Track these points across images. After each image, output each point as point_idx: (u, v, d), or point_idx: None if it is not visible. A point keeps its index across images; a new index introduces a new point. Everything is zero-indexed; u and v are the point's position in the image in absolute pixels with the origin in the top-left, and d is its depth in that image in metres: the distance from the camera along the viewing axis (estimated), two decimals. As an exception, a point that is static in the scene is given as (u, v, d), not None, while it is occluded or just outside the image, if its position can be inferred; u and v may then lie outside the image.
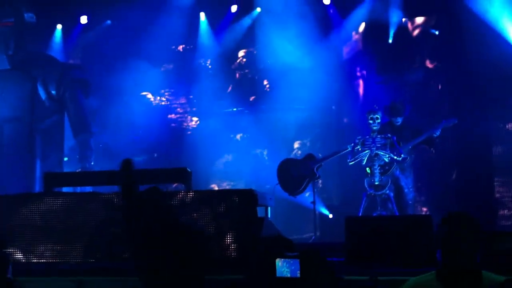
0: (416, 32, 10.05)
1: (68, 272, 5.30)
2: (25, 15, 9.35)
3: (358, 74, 10.35)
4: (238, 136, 10.60)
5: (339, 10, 10.42)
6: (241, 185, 9.40)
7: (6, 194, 6.27)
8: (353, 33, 10.46)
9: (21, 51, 9.42)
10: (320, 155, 8.57)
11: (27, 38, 9.51)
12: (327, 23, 10.42)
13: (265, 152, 10.57)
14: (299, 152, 10.17)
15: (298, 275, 2.83)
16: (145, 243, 3.66)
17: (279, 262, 2.82)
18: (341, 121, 10.14)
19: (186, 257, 3.63)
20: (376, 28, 10.02)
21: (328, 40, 10.35)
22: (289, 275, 2.80)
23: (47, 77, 9.28)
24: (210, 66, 11.42)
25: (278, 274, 2.78)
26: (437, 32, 9.67)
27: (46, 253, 5.42)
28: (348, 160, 7.52)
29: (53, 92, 9.29)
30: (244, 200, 5.57)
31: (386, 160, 7.28)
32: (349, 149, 7.54)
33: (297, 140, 10.39)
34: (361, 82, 10.23)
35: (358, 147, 7.43)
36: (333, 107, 10.27)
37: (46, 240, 5.45)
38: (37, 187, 8.80)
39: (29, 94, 9.20)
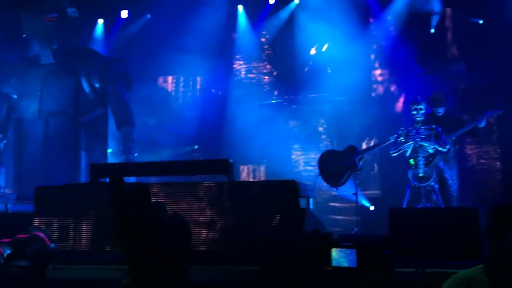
0: (458, 21, 9.81)
1: (114, 261, 5.39)
2: (68, 10, 9.53)
3: (399, 65, 10.18)
4: (277, 128, 10.57)
5: (379, 0, 10.28)
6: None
7: (53, 185, 6.42)
8: (393, 23, 10.29)
9: (65, 45, 9.61)
10: (361, 146, 8.47)
11: (70, 33, 9.67)
12: (367, 13, 10.28)
13: (303, 144, 10.54)
14: (339, 143, 10.09)
15: (356, 265, 2.81)
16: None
17: (334, 252, 2.80)
18: (382, 113, 9.99)
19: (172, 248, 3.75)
20: (417, 18, 9.82)
21: (368, 31, 10.22)
22: (346, 265, 2.77)
23: (90, 71, 9.45)
24: (248, 58, 11.44)
25: (334, 264, 2.76)
26: (481, 21, 9.41)
27: (92, 242, 5.52)
28: (391, 152, 7.42)
29: (96, 85, 9.46)
30: (286, 191, 5.57)
31: (431, 151, 7.16)
32: (392, 140, 7.44)
33: (338, 131, 10.30)
34: (401, 73, 10.06)
35: (402, 138, 7.32)
36: (374, 98, 10.12)
37: (93, 229, 5.55)
38: (82, 178, 9.00)
39: (73, 88, 9.39)
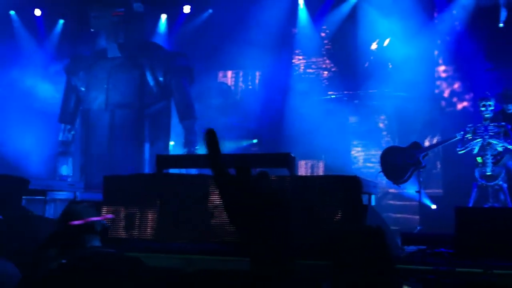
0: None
1: (177, 250, 5.50)
2: (134, 5, 9.79)
3: (465, 60, 9.89)
4: (336, 124, 10.49)
5: (445, -9, 10.01)
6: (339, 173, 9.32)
7: (119, 174, 6.61)
8: (459, 17, 9.99)
9: (131, 39, 9.87)
10: (424, 144, 8.30)
11: (135, 27, 9.93)
12: (431, 8, 10.03)
13: (363, 140, 10.42)
14: (401, 140, 9.91)
15: None
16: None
17: None
18: (445, 110, 9.75)
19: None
20: (485, 11, 9.49)
21: (432, 25, 9.97)
22: None
23: (155, 64, 9.67)
24: (307, 53, 11.41)
25: None
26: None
27: (157, 231, 5.64)
28: (458, 149, 7.23)
29: (160, 79, 9.67)
30: (349, 187, 5.51)
31: (500, 149, 6.93)
32: (458, 137, 7.25)
33: (399, 127, 10.13)
34: (467, 69, 9.77)
35: (469, 135, 7.13)
36: (437, 95, 9.88)
37: (158, 218, 5.67)
38: (146, 169, 9.24)
39: (138, 81, 9.64)
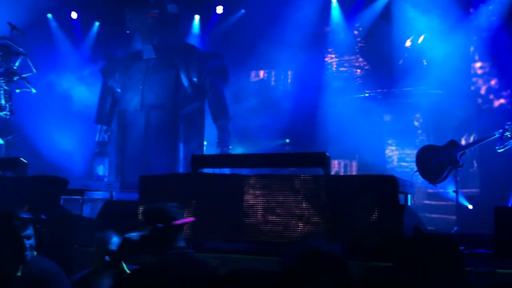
0: None
1: (213, 249, 5.54)
2: (168, 6, 9.89)
3: (501, 56, 9.67)
4: (370, 122, 10.40)
5: (481, -12, 9.81)
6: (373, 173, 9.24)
7: (154, 174, 6.70)
8: (496, 13, 9.78)
9: (165, 41, 9.97)
10: (460, 142, 8.15)
11: (170, 28, 10.03)
12: (467, 3, 9.86)
13: (398, 139, 10.31)
14: (436, 138, 9.76)
15: None
16: None
17: None
18: (483, 106, 9.55)
19: None
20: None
21: (467, 21, 9.78)
22: None
23: (189, 65, 9.74)
24: (340, 51, 11.35)
25: None
26: None
27: (193, 230, 5.70)
28: (497, 147, 7.09)
29: (194, 79, 9.74)
30: (385, 186, 5.45)
31: (540, 147, 6.78)
32: (497, 135, 7.11)
33: (435, 126, 9.98)
34: (505, 65, 9.55)
35: (508, 133, 6.98)
36: (473, 92, 9.70)
37: (193, 217, 5.72)
38: (180, 169, 9.34)
39: (173, 82, 9.73)
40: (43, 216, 4.75)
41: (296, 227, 5.62)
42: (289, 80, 11.86)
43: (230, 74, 10.41)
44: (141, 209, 5.94)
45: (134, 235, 3.48)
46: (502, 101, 9.49)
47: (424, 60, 10.09)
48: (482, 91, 9.77)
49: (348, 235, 5.30)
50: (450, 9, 9.47)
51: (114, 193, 7.63)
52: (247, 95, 11.25)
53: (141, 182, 6.05)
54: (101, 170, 10.16)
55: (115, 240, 4.14)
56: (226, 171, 7.14)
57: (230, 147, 9.42)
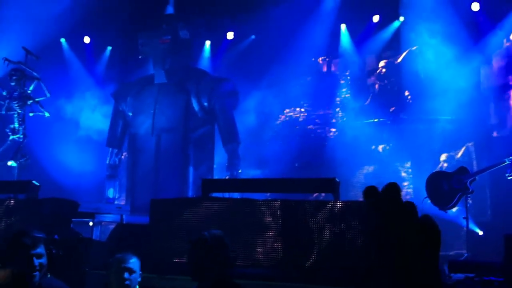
0: None
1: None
2: (180, 32, 10.02)
3: (511, 84, 9.69)
4: (380, 148, 10.42)
5: (490, 16, 9.88)
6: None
7: (164, 198, 6.71)
8: (505, 40, 9.84)
9: (177, 65, 10.08)
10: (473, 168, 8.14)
11: (182, 54, 10.15)
12: (476, 30, 9.93)
13: (408, 164, 10.28)
14: (446, 165, 9.75)
15: None
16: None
17: None
18: (493, 133, 9.54)
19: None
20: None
21: (476, 48, 9.85)
22: None
23: (200, 90, 9.82)
24: (349, 77, 11.42)
25: None
26: None
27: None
28: (507, 174, 7.09)
29: (205, 104, 9.81)
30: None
31: (551, 175, 6.76)
32: (508, 162, 7.11)
33: (443, 152, 9.96)
34: (514, 92, 9.58)
35: (518, 160, 6.98)
36: (485, 118, 9.70)
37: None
38: (190, 193, 9.35)
39: (184, 105, 9.80)
40: (56, 237, 4.77)
41: (311, 253, 5.59)
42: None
43: (241, 98, 10.50)
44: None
45: None
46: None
47: (435, 86, 10.11)
48: (493, 118, 9.76)
49: (362, 259, 5.27)
50: (458, 37, 9.55)
51: (124, 216, 7.65)
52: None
53: (151, 206, 6.07)
54: (111, 193, 10.19)
55: (133, 260, 4.17)
56: (236, 195, 7.17)
57: (240, 171, 9.44)
